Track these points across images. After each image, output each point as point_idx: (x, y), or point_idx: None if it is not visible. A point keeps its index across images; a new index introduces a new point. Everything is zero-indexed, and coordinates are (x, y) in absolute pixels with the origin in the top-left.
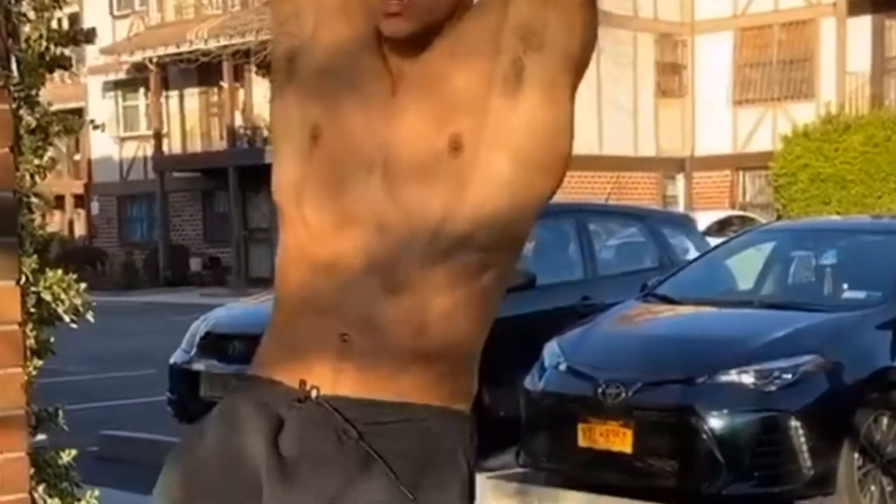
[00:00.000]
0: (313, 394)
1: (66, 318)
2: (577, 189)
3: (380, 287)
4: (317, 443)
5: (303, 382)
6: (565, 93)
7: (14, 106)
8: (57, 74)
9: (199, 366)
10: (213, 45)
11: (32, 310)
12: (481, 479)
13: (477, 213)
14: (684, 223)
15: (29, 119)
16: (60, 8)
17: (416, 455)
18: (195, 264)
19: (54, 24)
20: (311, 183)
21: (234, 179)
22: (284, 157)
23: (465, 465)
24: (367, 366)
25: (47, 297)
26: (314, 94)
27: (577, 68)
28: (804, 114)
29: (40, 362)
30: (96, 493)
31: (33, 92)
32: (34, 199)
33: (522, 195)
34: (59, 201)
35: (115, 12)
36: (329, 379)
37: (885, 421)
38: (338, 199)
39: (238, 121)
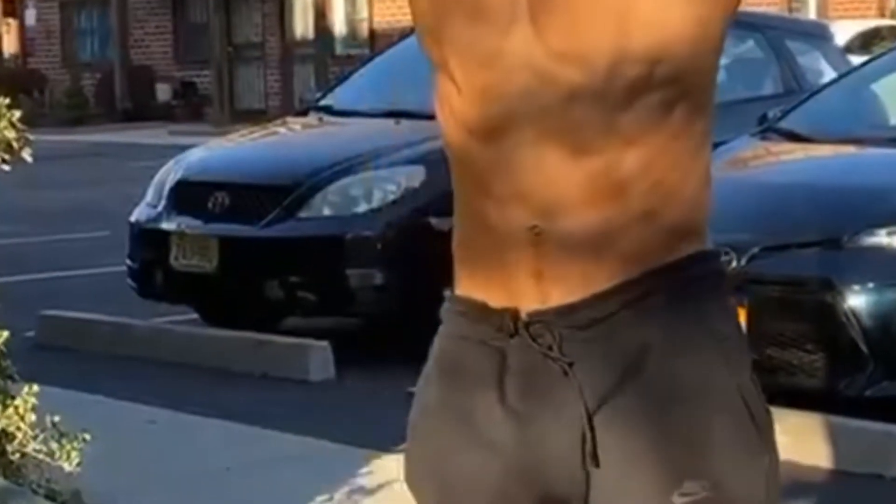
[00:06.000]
0: (523, 315)
1: None
2: None
3: (563, 153)
4: (542, 387)
5: (513, 313)
6: None
7: None
8: None
9: (169, 225)
10: None
11: None
12: None
13: (651, 42)
14: (818, 35)
15: None
16: None
17: (663, 336)
18: (163, 92)
19: None
20: (447, 23)
21: None
22: None
23: (725, 317)
24: (569, 258)
25: None
26: None
27: None
28: None
29: None
30: (34, 388)
31: None
32: None
33: (700, 11)
34: None
35: None
36: (533, 290)
37: None
38: (481, 45)
39: None
